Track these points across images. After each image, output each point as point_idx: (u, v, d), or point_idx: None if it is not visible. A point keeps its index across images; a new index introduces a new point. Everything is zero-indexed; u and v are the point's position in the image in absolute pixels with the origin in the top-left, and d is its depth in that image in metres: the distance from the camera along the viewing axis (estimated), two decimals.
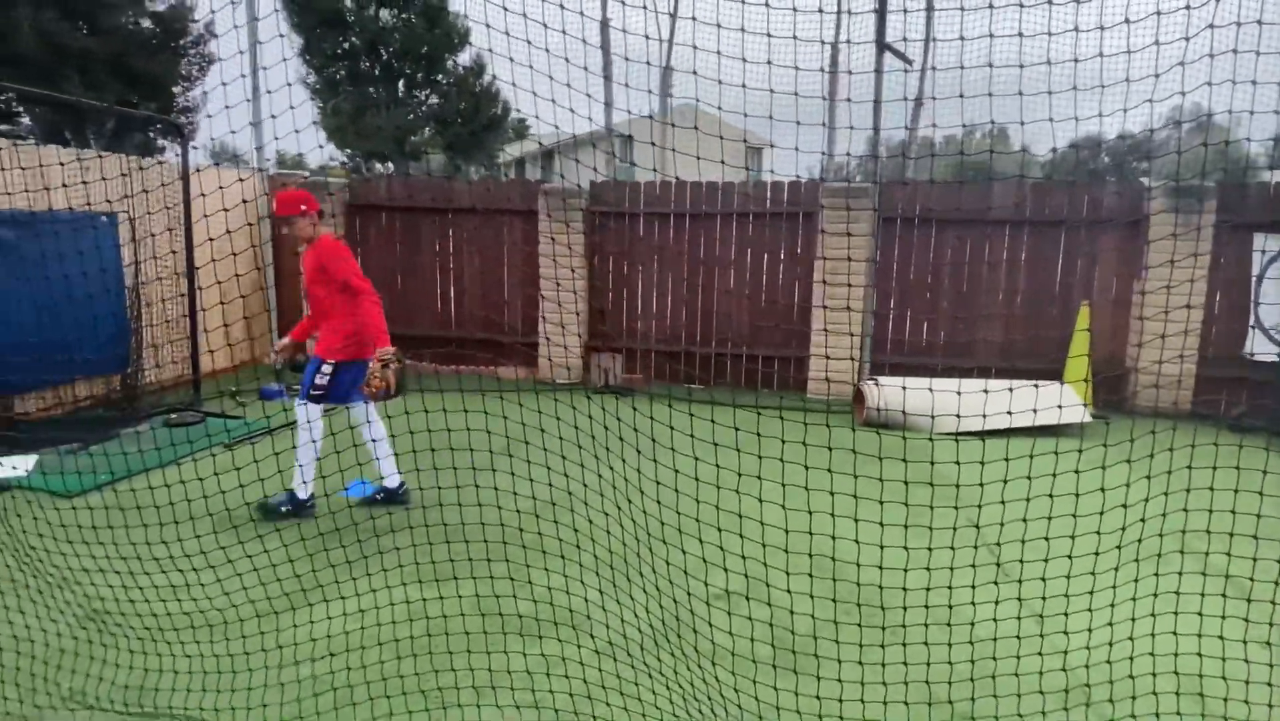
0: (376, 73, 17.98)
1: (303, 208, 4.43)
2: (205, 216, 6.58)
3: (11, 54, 12.13)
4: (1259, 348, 7.02)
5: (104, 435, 5.76)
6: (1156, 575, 2.62)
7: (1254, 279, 6.99)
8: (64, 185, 5.62)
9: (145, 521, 3.24)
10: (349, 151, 18.26)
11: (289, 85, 3.02)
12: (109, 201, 6.17)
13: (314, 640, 2.98)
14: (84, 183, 5.80)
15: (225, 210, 6.80)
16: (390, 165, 18.35)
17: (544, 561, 3.33)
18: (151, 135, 16.43)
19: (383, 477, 4.54)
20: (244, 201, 8.21)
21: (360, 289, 4.37)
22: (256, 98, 7.33)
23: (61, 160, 5.93)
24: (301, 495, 4.36)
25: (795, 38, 2.41)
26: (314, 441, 4.37)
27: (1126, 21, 2.12)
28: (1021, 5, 2.25)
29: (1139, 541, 2.48)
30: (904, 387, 6.44)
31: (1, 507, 4.25)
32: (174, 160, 7.43)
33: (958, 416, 5.66)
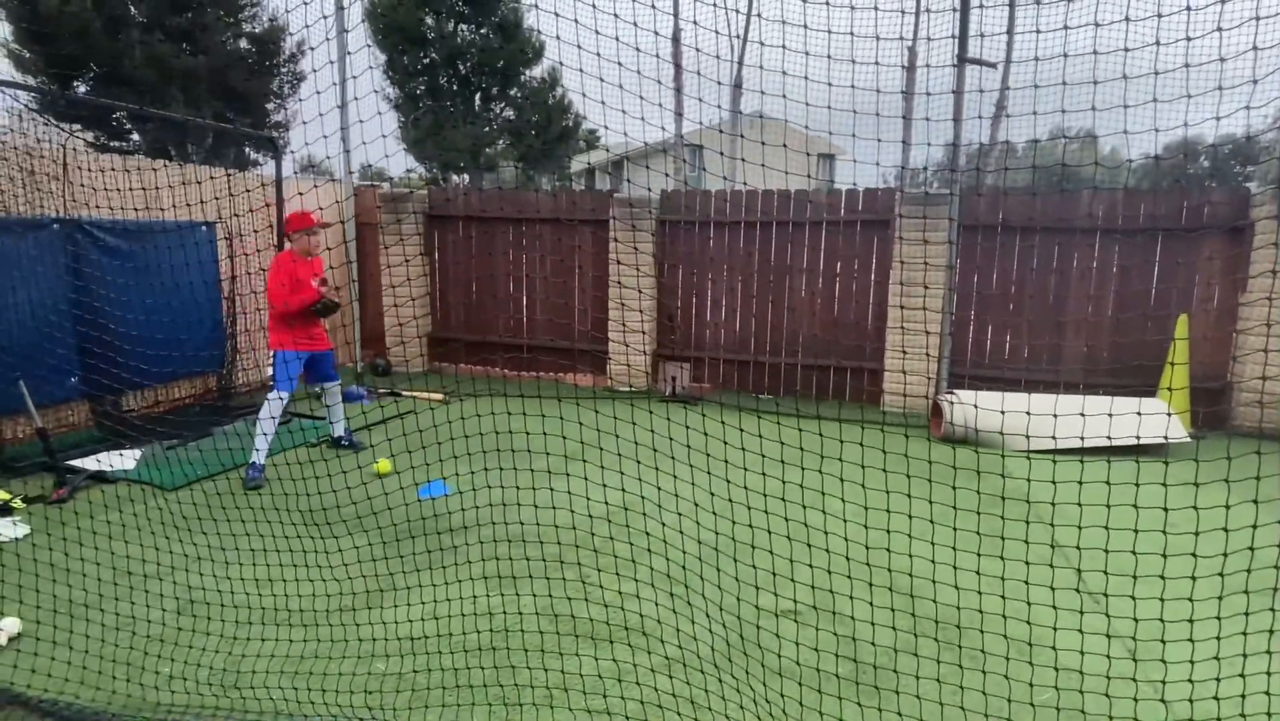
0: (454, 87, 18.55)
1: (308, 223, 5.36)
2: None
3: (123, 74, 13.05)
4: None
5: (200, 432, 6.10)
6: (1250, 613, 2.45)
7: None
8: (170, 201, 6.00)
9: (236, 515, 3.40)
10: (428, 163, 18.89)
11: (369, 101, 3.13)
12: (217, 215, 6.54)
13: (388, 639, 3.08)
14: (187, 200, 6.17)
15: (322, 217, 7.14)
16: (466, 177, 18.89)
17: (615, 566, 3.34)
18: (247, 149, 17.38)
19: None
20: (322, 207, 8.58)
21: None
22: (345, 112, 7.67)
23: (167, 173, 6.33)
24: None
25: (878, 38, 2.37)
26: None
27: (1219, 30, 2.01)
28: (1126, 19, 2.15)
29: (1248, 572, 2.32)
30: (975, 405, 6.21)
31: (117, 497, 4.55)
32: (268, 172, 7.83)
33: (1054, 438, 5.41)
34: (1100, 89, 2.32)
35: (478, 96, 18.95)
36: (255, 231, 7.24)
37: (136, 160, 6.44)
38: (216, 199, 6.76)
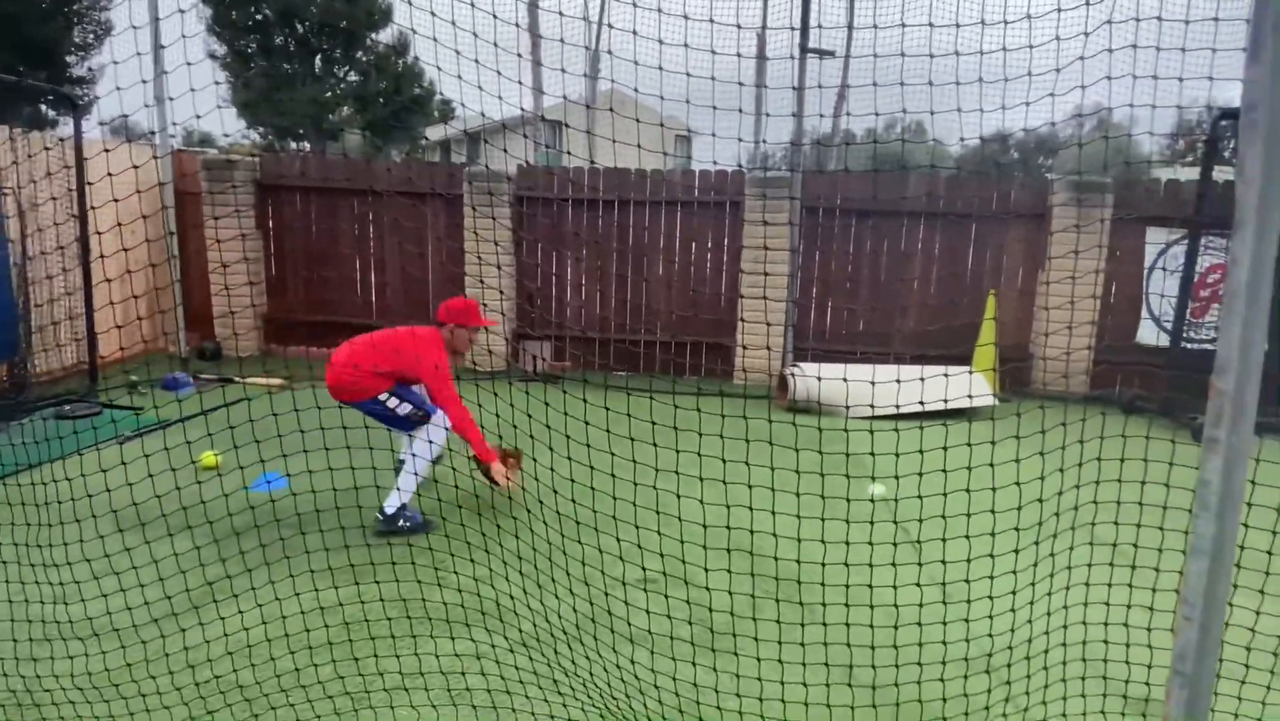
0: (291, 47, 17.19)
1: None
2: (88, 185, 6.17)
3: None
4: (1149, 335, 7.53)
5: None
6: (1053, 553, 2.78)
7: (1146, 271, 7.48)
8: None
9: (35, 520, 3.02)
10: (261, 129, 17.45)
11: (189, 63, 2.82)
12: None
13: (218, 644, 2.85)
14: None
15: (134, 195, 6.39)
16: (307, 144, 17.61)
17: (470, 551, 3.27)
18: (43, 107, 15.30)
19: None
20: (134, 180, 7.73)
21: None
22: (158, 65, 6.91)
23: None
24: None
25: (742, 25, 2.42)
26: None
27: (1028, 17, 2.21)
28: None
29: (1045, 517, 2.62)
30: (819, 377, 6.61)
31: None
32: (67, 133, 6.93)
33: (872, 406, 5.84)
34: (926, 80, 2.48)
35: (318, 59, 17.67)
36: (54, 199, 6.40)
37: None
38: (2, 153, 5.90)
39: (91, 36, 15.29)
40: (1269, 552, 2.43)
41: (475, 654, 2.81)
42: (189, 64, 2.76)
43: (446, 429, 4.19)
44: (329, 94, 17.56)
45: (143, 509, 3.50)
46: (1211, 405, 1.48)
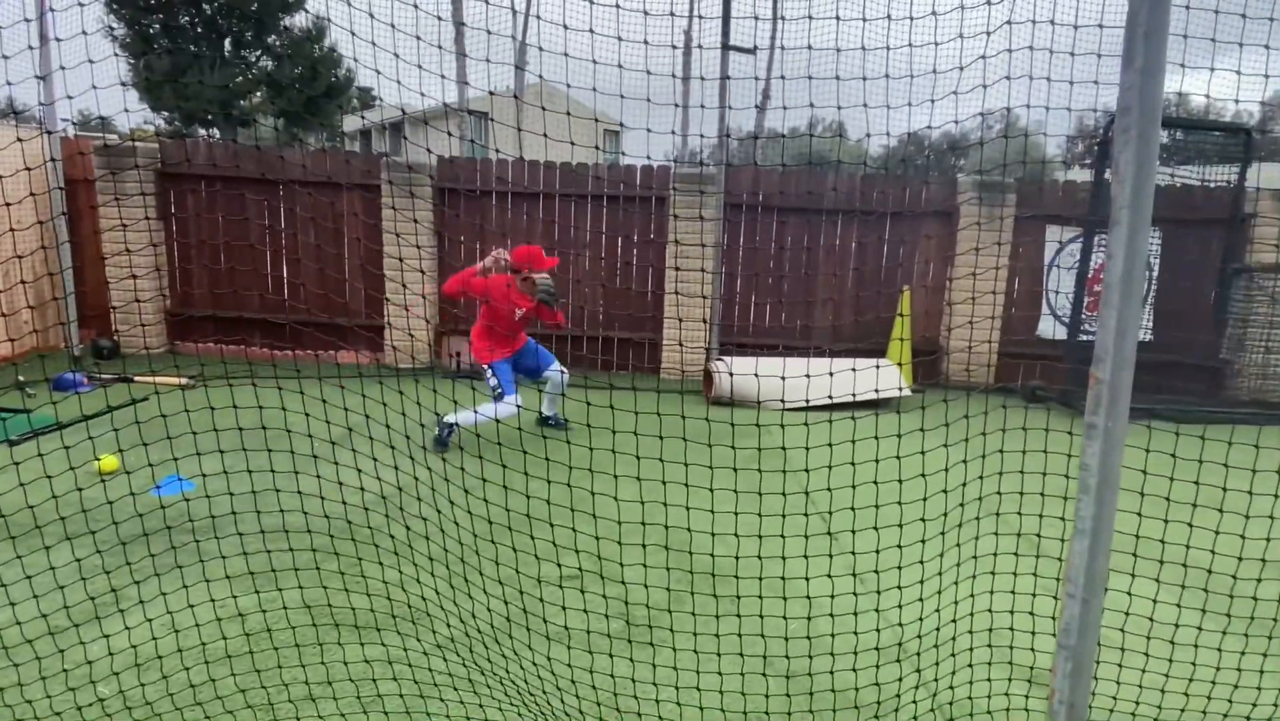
0: (198, 29, 16.33)
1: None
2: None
3: None
4: (1049, 329, 7.96)
5: None
6: (960, 543, 2.90)
7: (1045, 267, 7.89)
8: None
9: None
10: (166, 114, 16.53)
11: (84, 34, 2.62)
12: None
13: (114, 654, 2.69)
14: None
15: (19, 182, 5.91)
16: (216, 131, 16.79)
17: (379, 557, 3.18)
18: None
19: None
20: (22, 166, 7.22)
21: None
22: (44, 45, 6.44)
23: None
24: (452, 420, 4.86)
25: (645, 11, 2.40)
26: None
27: (933, 14, 2.28)
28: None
29: (951, 507, 2.73)
30: (730, 373, 6.71)
31: None
32: None
33: (782, 401, 5.98)
34: (847, 83, 2.53)
35: (227, 41, 16.85)
36: None
37: None
38: None
39: None
40: (1136, 536, 2.58)
41: (388, 658, 2.73)
42: (84, 33, 2.57)
43: (515, 404, 5.04)
44: (239, 79, 16.78)
45: (38, 513, 3.28)
46: (1091, 393, 1.57)
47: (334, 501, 3.77)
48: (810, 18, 2.25)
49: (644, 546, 2.83)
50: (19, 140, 6.60)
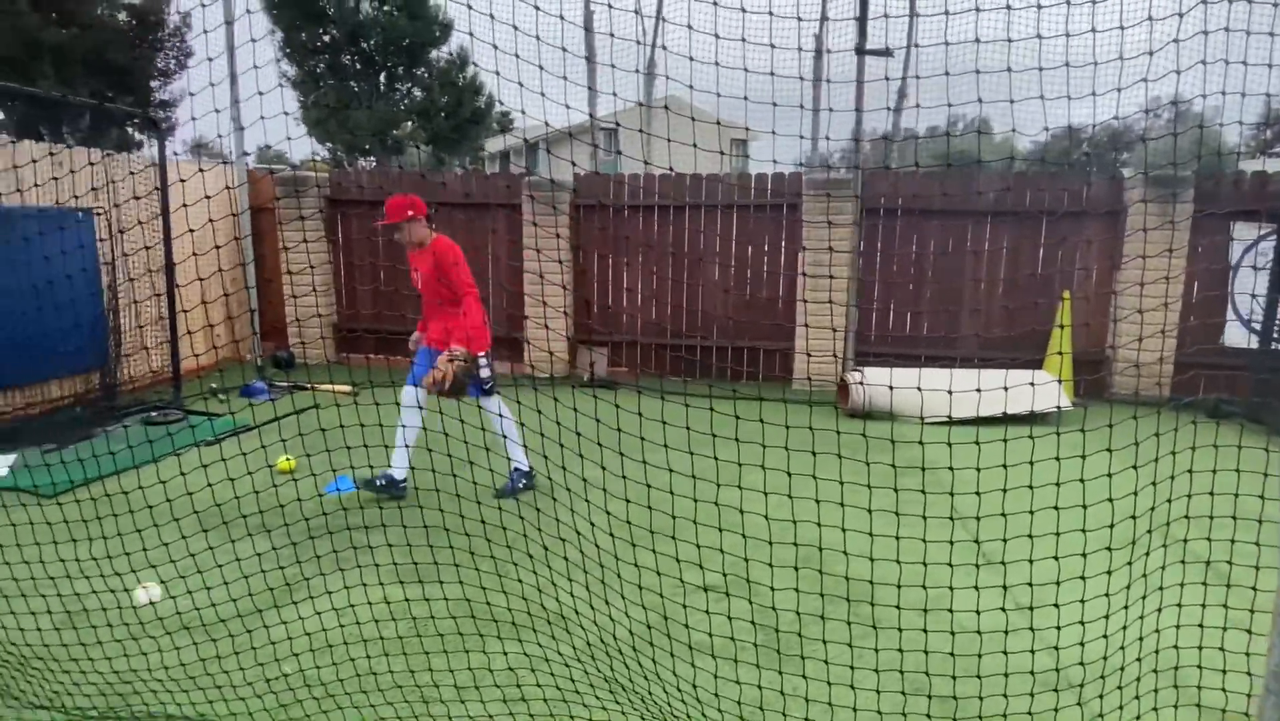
0: (358, 66, 17.80)
1: (410, 212, 4.45)
2: (185, 207, 6.50)
3: None
4: (1235, 336, 7.11)
5: (83, 434, 5.69)
6: (1130, 562, 2.65)
7: (1230, 269, 7.08)
8: (35, 184, 5.53)
9: (126, 522, 3.20)
10: (330, 145, 18.09)
11: (261, 76, 2.95)
12: (75, 197, 6.06)
13: (293, 637, 2.96)
14: (55, 178, 5.71)
15: (209, 210, 6.72)
16: (373, 159, 18.19)
17: (533, 558, 3.32)
18: (129, 130, 16.20)
19: (391, 466, 4.47)
20: (210, 195, 8.12)
21: (471, 292, 4.50)
22: (234, 88, 7.25)
23: (34, 156, 5.83)
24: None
25: (769, 12, 2.40)
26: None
27: (1091, 1, 2.13)
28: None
29: (1119, 521, 2.51)
30: (891, 386, 6.46)
31: None
32: (151, 155, 7.33)
33: (933, 409, 5.69)
34: (990, 78, 2.41)
35: (383, 76, 18.25)
36: (140, 223, 6.75)
37: (7, 142, 5.87)
38: (95, 189, 6.27)
39: (173, 63, 16.15)
40: None
41: (533, 662, 2.84)
42: (260, 93, 2.88)
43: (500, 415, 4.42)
44: (393, 110, 18.11)
45: (225, 509, 3.68)
46: None
47: (482, 505, 3.97)
48: (947, 13, 2.15)
49: (795, 569, 2.79)
50: (206, 168, 7.43)
